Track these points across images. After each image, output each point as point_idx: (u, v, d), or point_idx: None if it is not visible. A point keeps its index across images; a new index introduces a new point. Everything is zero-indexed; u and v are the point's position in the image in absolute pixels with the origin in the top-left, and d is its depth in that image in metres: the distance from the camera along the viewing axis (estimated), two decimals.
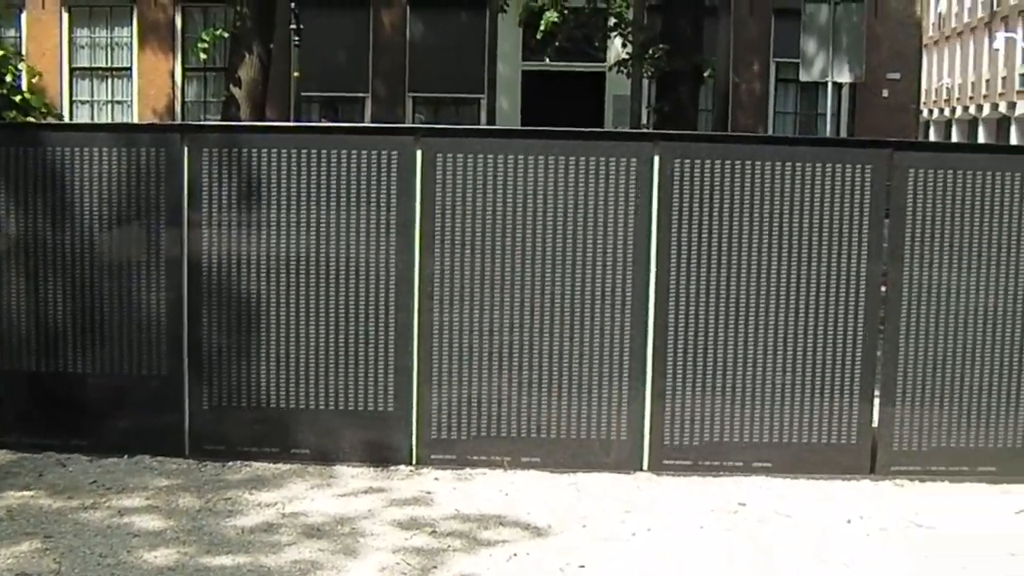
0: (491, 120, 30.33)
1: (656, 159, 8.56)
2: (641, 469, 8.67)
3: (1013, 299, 8.73)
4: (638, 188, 8.54)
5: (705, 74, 20.91)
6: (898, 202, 8.63)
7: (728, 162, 8.53)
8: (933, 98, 79.52)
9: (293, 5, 23.36)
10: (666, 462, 8.65)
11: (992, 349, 8.74)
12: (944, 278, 8.67)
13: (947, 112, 77.95)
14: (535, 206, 8.55)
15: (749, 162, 8.54)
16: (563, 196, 8.55)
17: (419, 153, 8.56)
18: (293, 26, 23.49)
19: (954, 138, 75.23)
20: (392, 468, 8.62)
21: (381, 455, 8.70)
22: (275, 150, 8.60)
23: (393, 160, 8.54)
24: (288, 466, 8.60)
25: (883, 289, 8.71)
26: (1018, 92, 62.82)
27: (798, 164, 8.55)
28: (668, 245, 8.56)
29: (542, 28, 23.69)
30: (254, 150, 8.62)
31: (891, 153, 8.73)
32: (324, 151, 8.59)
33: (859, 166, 8.58)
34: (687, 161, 8.54)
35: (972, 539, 7.59)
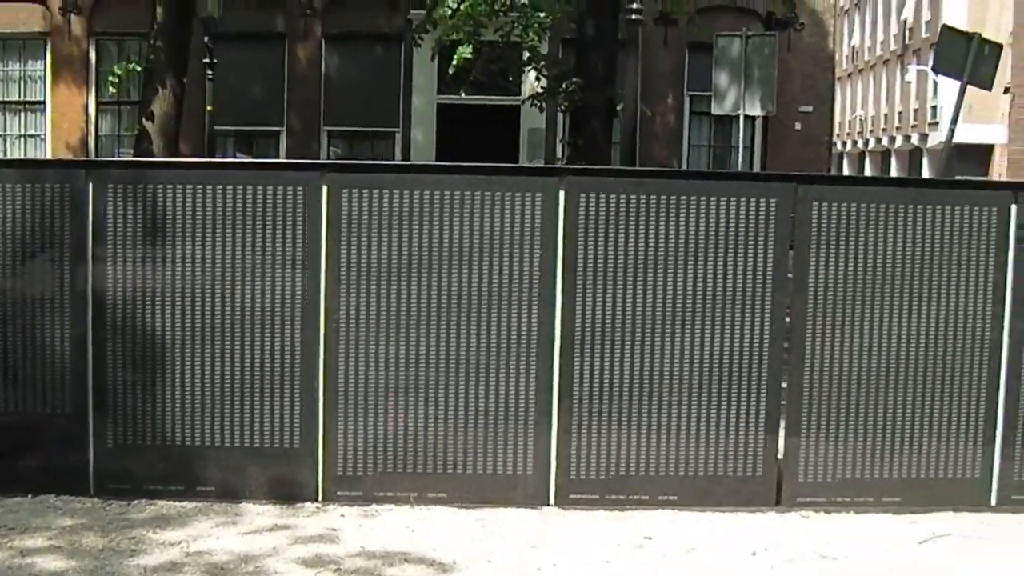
0: (406, 154, 30.34)
1: (562, 194, 8.58)
2: (548, 504, 8.66)
3: (916, 330, 8.81)
4: (544, 223, 8.55)
5: (618, 107, 20.95)
6: (802, 234, 8.70)
7: (634, 196, 8.56)
8: (847, 130, 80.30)
9: (207, 39, 23.25)
10: (573, 496, 8.65)
11: (896, 380, 8.82)
12: (848, 309, 8.75)
13: (860, 144, 78.69)
14: (443, 241, 8.54)
15: (655, 196, 8.57)
16: (470, 231, 8.54)
17: (325, 189, 8.53)
18: (207, 60, 23.35)
19: (867, 170, 75.97)
20: (298, 505, 8.55)
21: (287, 492, 8.62)
22: (180, 185, 8.53)
23: (299, 196, 8.50)
24: (193, 504, 8.51)
25: (788, 320, 8.77)
26: (930, 124, 63.53)
27: (703, 198, 8.60)
28: (574, 279, 8.58)
29: (455, 63, 23.69)
30: (159, 185, 8.55)
31: (795, 187, 8.81)
32: (230, 187, 8.53)
33: (764, 199, 8.65)
34: (592, 195, 8.56)
35: (878, 569, 7.65)
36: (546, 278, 8.57)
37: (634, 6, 18.67)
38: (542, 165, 26.48)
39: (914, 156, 68.62)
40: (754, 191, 8.73)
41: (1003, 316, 8.92)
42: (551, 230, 8.56)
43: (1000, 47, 17.69)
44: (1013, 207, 8.91)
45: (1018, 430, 8.98)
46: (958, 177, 43.70)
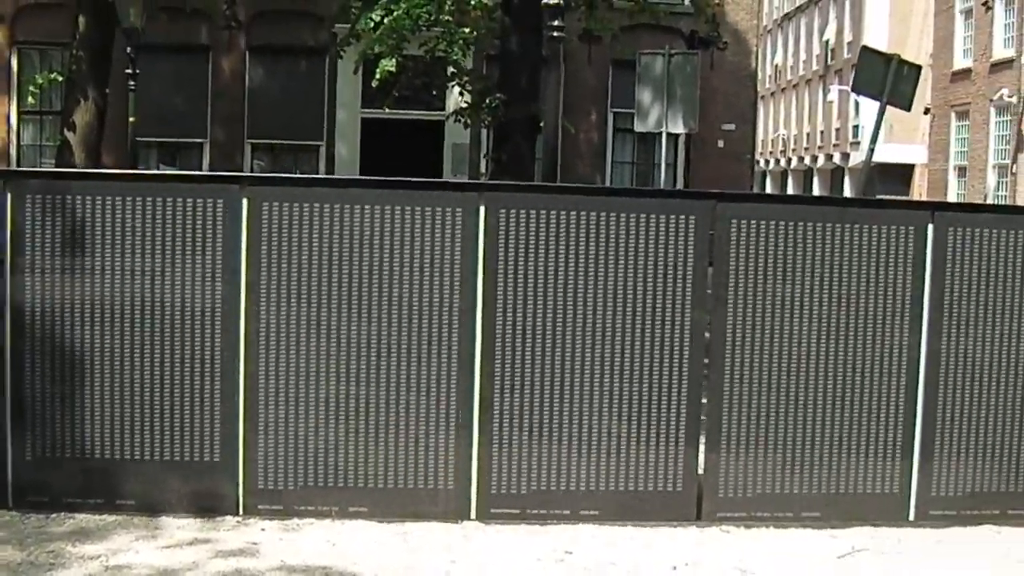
0: (330, 168, 30.25)
1: (482, 209, 8.60)
2: (469, 518, 8.67)
3: (835, 347, 8.90)
4: (464, 238, 8.57)
5: (541, 124, 20.99)
6: (721, 251, 8.77)
7: (553, 212, 8.61)
8: (770, 148, 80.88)
9: (130, 49, 23.05)
10: (494, 511, 8.67)
11: (815, 396, 8.91)
12: (767, 326, 8.83)
13: (783, 163, 79.26)
14: (363, 255, 8.54)
15: (574, 212, 8.62)
16: (391, 245, 8.54)
17: (245, 201, 8.50)
18: (130, 71, 23.16)
19: (790, 188, 76.53)
20: (219, 519, 8.51)
21: (208, 506, 8.58)
22: (100, 197, 8.47)
23: (219, 208, 8.47)
24: (114, 517, 8.44)
25: (707, 336, 8.84)
26: (851, 143, 64.08)
27: (623, 214, 8.66)
28: (495, 294, 8.61)
29: (377, 76, 23.63)
30: (79, 196, 8.48)
31: (714, 204, 8.89)
32: (149, 198, 8.49)
33: (683, 216, 8.71)
34: (513, 211, 8.60)
35: None
36: (467, 293, 8.59)
37: (556, 23, 18.70)
38: (464, 180, 26.45)
39: (836, 175, 69.19)
40: (673, 208, 8.79)
41: (920, 333, 9.03)
42: (471, 245, 8.58)
43: (919, 68, 17.92)
44: (930, 226, 9.02)
45: (935, 446, 9.08)
46: (880, 196, 44.17)
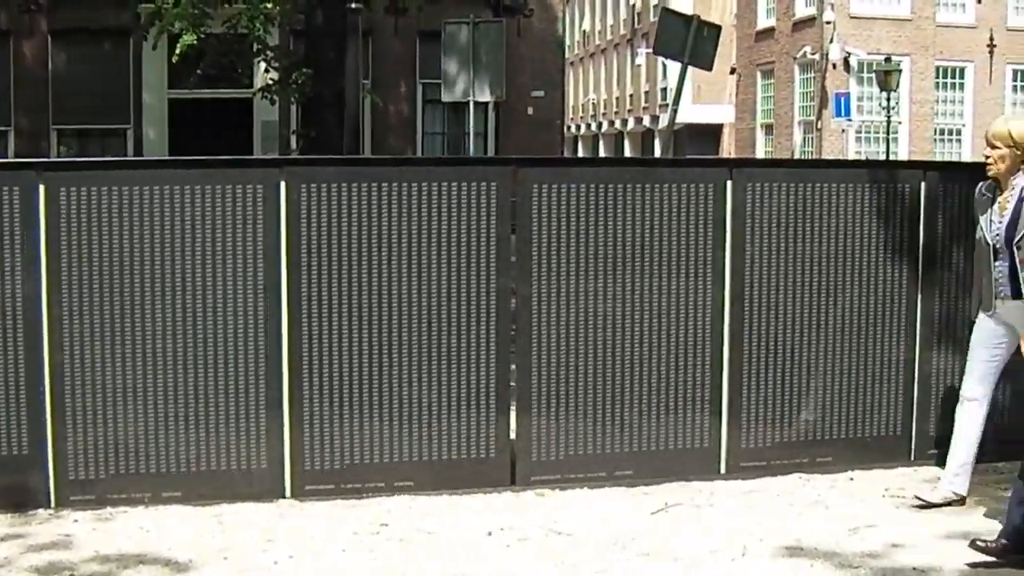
0: (138, 151, 29.83)
1: (283, 185, 8.55)
2: (284, 497, 8.64)
3: (641, 306, 9.02)
4: (267, 214, 8.51)
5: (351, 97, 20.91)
6: (524, 217, 8.83)
7: (355, 184, 8.58)
8: (580, 114, 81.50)
9: None
10: (308, 488, 8.64)
11: (623, 356, 9.02)
12: (572, 289, 8.91)
13: (594, 127, 79.91)
14: (165, 236, 8.41)
15: (375, 184, 8.60)
16: (192, 225, 8.43)
17: (42, 188, 8.33)
18: None
19: (602, 152, 77.19)
20: (31, 512, 8.34)
21: (19, 499, 8.40)
22: None
23: (16, 196, 8.28)
24: None
25: (513, 302, 8.90)
26: (660, 106, 64.77)
27: (424, 184, 8.66)
28: (299, 269, 8.56)
29: (178, 52, 23.26)
30: None
31: (514, 170, 8.94)
32: None
33: (484, 184, 8.74)
34: (315, 186, 8.56)
35: (609, 540, 7.81)
36: (271, 270, 8.53)
37: None
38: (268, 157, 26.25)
39: (647, 137, 69.98)
40: (473, 175, 8.81)
41: (723, 289, 9.20)
42: (274, 221, 8.51)
43: (718, 28, 18.19)
44: (728, 183, 9.18)
45: (742, 400, 9.27)
46: (689, 156, 44.77)
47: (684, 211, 9.11)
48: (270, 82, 24.46)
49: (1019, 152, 8.13)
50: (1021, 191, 8.15)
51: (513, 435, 8.96)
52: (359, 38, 19.35)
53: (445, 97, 22.06)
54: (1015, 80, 48.52)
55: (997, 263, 8.24)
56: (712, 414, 9.23)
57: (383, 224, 8.63)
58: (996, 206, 8.28)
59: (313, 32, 21.67)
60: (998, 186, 8.31)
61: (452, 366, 8.77)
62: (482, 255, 8.75)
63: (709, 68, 18.73)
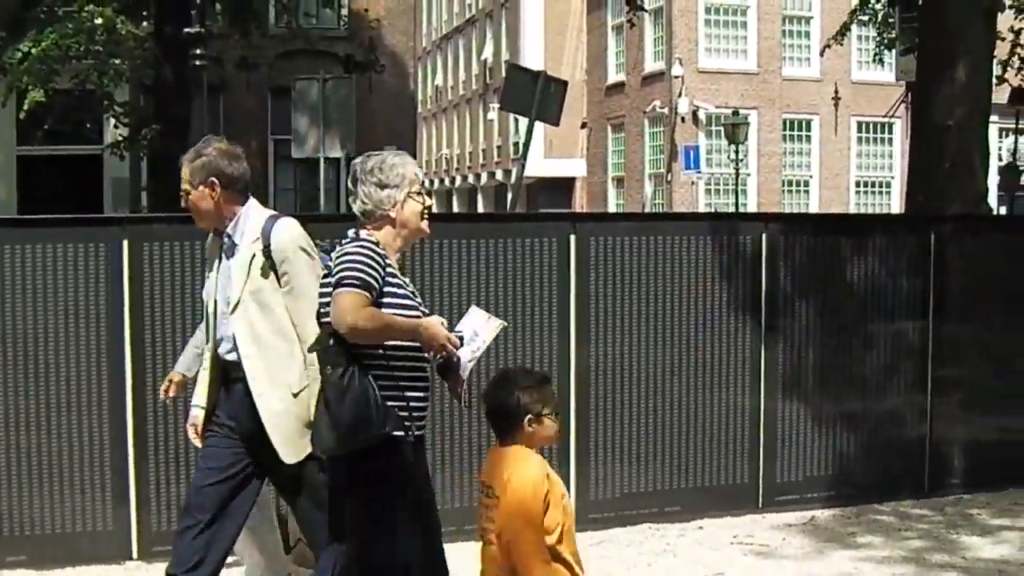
0: None
1: (125, 243, 8.49)
2: (131, 558, 8.53)
3: (488, 358, 9.05)
4: (109, 274, 8.43)
5: None
6: None
7: (197, 243, 8.44)
8: (434, 169, 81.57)
9: None
10: (156, 549, 8.50)
11: (470, 410, 9.01)
12: None
13: (448, 182, 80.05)
14: (6, 297, 8.29)
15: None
16: (33, 287, 8.33)
17: None
18: None
19: (455, 207, 77.30)
20: None
21: None
22: None
23: None
24: None
25: None
26: (513, 160, 65.14)
27: None
28: (142, 330, 8.50)
29: (25, 108, 22.97)
30: None
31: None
32: None
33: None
34: (156, 244, 8.53)
35: None
36: (115, 331, 8.45)
37: (198, 51, 18.64)
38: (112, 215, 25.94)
39: (500, 192, 70.16)
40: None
41: (568, 341, 9.32)
42: (117, 281, 8.45)
43: (565, 84, 18.28)
44: (572, 237, 9.28)
45: (589, 450, 9.38)
46: (542, 210, 45.07)
47: (531, 264, 9.19)
48: (119, 138, 24.25)
49: None
50: None
51: None
52: (205, 93, 19.28)
53: (295, 153, 21.95)
54: (860, 131, 49.44)
55: None
56: (560, 465, 9.21)
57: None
58: None
59: (162, 88, 21.52)
60: None
61: None
62: None
63: (556, 123, 18.81)
